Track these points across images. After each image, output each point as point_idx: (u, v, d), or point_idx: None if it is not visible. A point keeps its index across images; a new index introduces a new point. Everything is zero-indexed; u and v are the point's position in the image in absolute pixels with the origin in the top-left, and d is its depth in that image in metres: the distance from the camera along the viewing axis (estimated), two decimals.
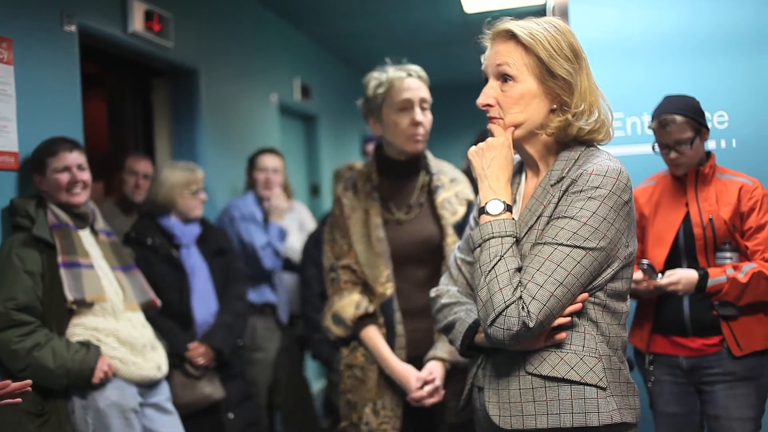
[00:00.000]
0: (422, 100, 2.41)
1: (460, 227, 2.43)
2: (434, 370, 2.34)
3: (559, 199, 1.58)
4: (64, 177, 2.64)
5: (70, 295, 2.52)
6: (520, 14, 1.76)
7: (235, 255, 3.63)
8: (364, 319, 2.42)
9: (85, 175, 2.71)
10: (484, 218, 1.59)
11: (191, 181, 3.40)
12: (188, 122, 4.23)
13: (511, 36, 1.64)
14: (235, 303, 3.42)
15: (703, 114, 2.54)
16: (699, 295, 2.46)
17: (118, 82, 4.15)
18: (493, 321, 1.49)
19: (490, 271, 1.52)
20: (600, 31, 3.21)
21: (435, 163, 2.55)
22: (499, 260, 1.52)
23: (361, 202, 2.49)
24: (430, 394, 2.31)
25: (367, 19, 6.04)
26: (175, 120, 4.25)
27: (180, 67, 4.11)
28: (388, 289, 2.40)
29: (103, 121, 4.20)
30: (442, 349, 2.36)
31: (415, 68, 2.46)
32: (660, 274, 2.52)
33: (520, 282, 1.51)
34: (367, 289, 2.44)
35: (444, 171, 2.53)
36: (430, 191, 2.49)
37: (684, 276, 2.45)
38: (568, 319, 1.55)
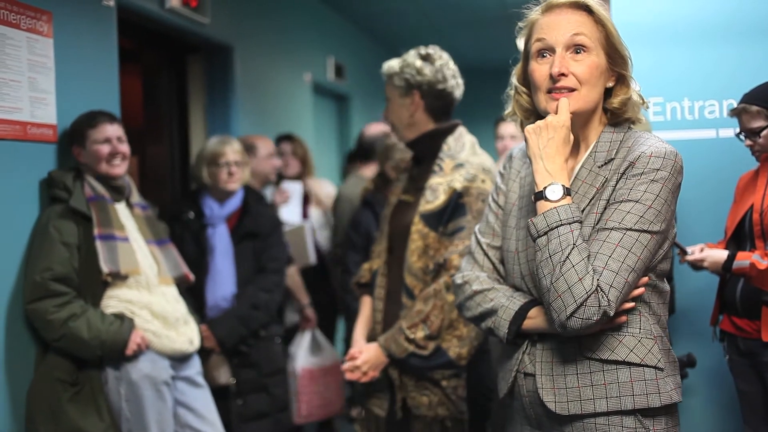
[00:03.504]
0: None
1: (438, 216, 2.35)
2: (365, 350, 2.38)
3: (617, 182, 1.55)
4: (105, 148, 2.67)
5: (105, 267, 2.54)
6: None
7: (278, 241, 3.47)
8: (361, 288, 2.62)
9: (125, 147, 2.73)
10: (546, 204, 1.53)
11: (218, 154, 3.31)
12: (223, 99, 4.25)
13: (583, 8, 1.60)
14: (258, 293, 3.27)
15: None
16: (727, 275, 2.59)
17: (154, 57, 4.16)
18: (573, 312, 1.46)
19: (564, 261, 1.47)
20: (641, 14, 3.15)
21: (453, 145, 2.45)
22: (572, 249, 1.48)
23: (398, 181, 2.66)
24: (350, 371, 2.37)
25: None
26: (210, 96, 4.27)
27: (215, 43, 4.12)
28: (376, 263, 2.53)
29: (138, 96, 4.22)
30: (385, 335, 2.38)
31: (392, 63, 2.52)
32: (690, 250, 2.70)
33: (594, 269, 1.48)
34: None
35: (455, 155, 2.43)
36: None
37: (711, 255, 2.59)
38: (633, 304, 1.55)
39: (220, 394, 3.13)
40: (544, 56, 1.60)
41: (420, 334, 2.28)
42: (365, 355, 2.36)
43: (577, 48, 1.58)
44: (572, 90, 1.58)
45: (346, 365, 2.39)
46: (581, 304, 1.45)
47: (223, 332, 3.15)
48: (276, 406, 3.39)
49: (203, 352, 3.03)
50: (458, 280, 1.82)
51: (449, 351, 2.28)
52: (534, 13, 1.66)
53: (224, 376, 3.20)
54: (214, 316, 3.22)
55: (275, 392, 3.38)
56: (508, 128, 4.04)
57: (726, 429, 3.18)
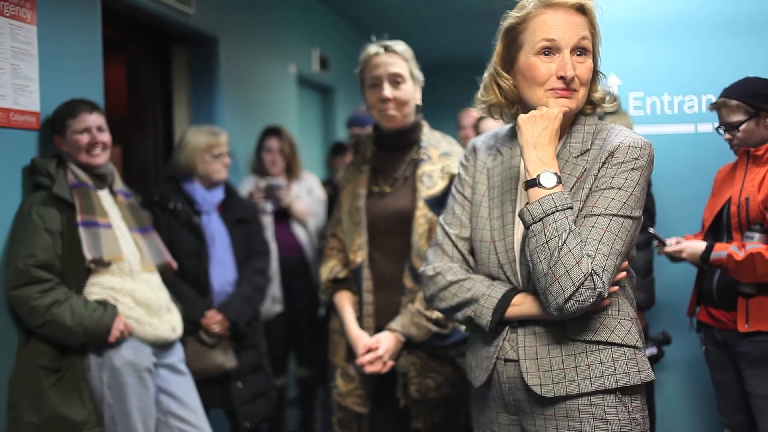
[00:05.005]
0: (394, 75, 2.43)
1: (439, 201, 2.40)
2: (381, 339, 2.36)
3: (598, 171, 1.61)
4: (84, 138, 2.67)
5: (88, 254, 2.55)
6: None
7: (260, 227, 3.62)
8: (337, 284, 2.54)
9: (105, 137, 2.73)
10: (540, 191, 1.57)
11: (213, 145, 3.35)
12: (207, 90, 4.24)
13: (582, 11, 1.65)
14: (255, 276, 3.40)
15: (764, 97, 2.54)
16: (705, 265, 2.64)
17: (138, 47, 4.15)
18: (572, 295, 1.51)
19: (562, 245, 1.52)
20: (624, 9, 3.19)
21: (430, 136, 2.54)
22: (569, 234, 1.53)
23: (353, 173, 2.57)
24: (371, 363, 2.34)
25: None
26: (194, 87, 4.26)
27: (200, 34, 4.12)
28: (359, 256, 2.47)
29: (122, 85, 4.21)
30: (398, 321, 2.38)
31: (390, 43, 2.48)
32: (668, 242, 2.73)
33: (587, 253, 1.54)
34: (347, 257, 2.53)
35: (436, 145, 2.50)
36: (416, 164, 2.50)
37: (689, 246, 2.64)
38: (617, 288, 1.63)
39: (216, 378, 3.19)
40: (547, 54, 1.64)
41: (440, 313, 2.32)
42: (384, 344, 2.35)
43: (580, 51, 1.64)
44: (575, 90, 1.65)
45: (368, 357, 2.34)
46: (579, 287, 1.50)
47: (236, 314, 3.22)
48: (270, 385, 3.46)
49: (212, 337, 3.14)
50: (429, 272, 1.83)
51: (461, 327, 2.34)
52: (531, 6, 1.67)
53: (231, 361, 3.22)
54: (222, 301, 3.27)
55: (268, 371, 3.46)
56: (471, 119, 4.14)
57: (701, 418, 3.24)
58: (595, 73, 1.72)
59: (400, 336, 2.36)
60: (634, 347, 1.63)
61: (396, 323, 2.37)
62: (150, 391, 2.66)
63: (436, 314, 2.32)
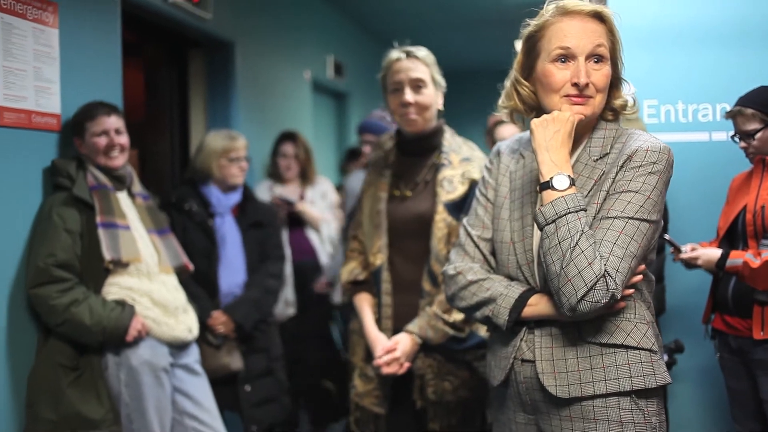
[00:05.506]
0: (415, 80, 2.44)
1: (458, 206, 2.42)
2: (399, 341, 2.38)
3: (616, 174, 1.63)
4: (102, 140, 2.70)
5: (107, 255, 2.58)
6: None
7: (277, 230, 3.62)
8: (356, 286, 2.56)
9: (123, 139, 2.76)
10: (553, 194, 1.59)
11: (230, 149, 3.39)
12: (223, 94, 4.29)
13: (599, 18, 1.67)
14: (267, 279, 3.41)
15: None
16: (720, 273, 2.63)
17: (156, 51, 4.20)
18: (584, 295, 1.53)
19: (574, 246, 1.54)
20: (638, 17, 3.20)
21: (451, 141, 2.55)
22: (581, 235, 1.55)
23: (375, 177, 2.60)
24: (388, 364, 2.35)
25: None
26: (211, 92, 4.31)
27: (217, 39, 4.16)
28: (378, 259, 2.49)
29: (140, 89, 4.26)
30: (416, 324, 2.39)
31: (412, 48, 2.49)
32: (684, 248, 2.73)
33: (601, 255, 1.55)
34: (367, 259, 2.56)
35: (457, 150, 2.52)
36: (437, 169, 2.51)
37: (705, 253, 2.63)
38: (632, 290, 1.63)
39: (227, 381, 3.20)
40: (563, 61, 1.66)
41: (458, 317, 2.34)
42: (402, 346, 2.36)
43: (596, 58, 1.66)
44: (590, 97, 1.66)
45: (385, 358, 2.35)
46: (591, 288, 1.52)
47: (241, 316, 3.24)
48: (282, 389, 3.46)
49: (218, 338, 3.14)
50: (450, 271, 1.87)
51: (479, 331, 2.37)
52: (549, 15, 1.70)
53: (236, 362, 3.24)
54: (229, 302, 3.29)
55: (280, 376, 3.46)
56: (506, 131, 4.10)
57: (716, 426, 3.23)
58: (617, 79, 1.74)
59: (417, 338, 2.37)
60: (650, 350, 1.64)
61: (413, 325, 2.39)
62: (166, 391, 2.68)
63: (453, 317, 2.34)
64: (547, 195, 1.60)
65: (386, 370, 2.36)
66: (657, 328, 1.71)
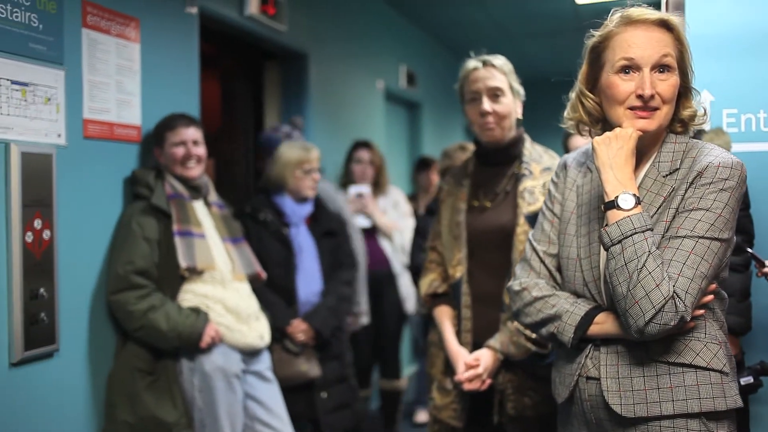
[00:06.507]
0: (493, 89, 2.40)
1: (535, 217, 2.37)
2: (481, 357, 2.33)
3: (686, 191, 1.58)
4: (180, 151, 2.78)
5: (183, 263, 2.65)
6: (634, 6, 1.73)
7: (348, 239, 3.66)
8: (436, 299, 2.52)
9: (200, 150, 2.83)
10: (618, 213, 1.56)
11: (304, 161, 3.41)
12: (297, 105, 4.35)
13: (665, 27, 1.62)
14: (341, 287, 3.44)
15: None
16: None
17: (232, 63, 4.30)
18: (652, 318, 1.49)
19: (641, 268, 1.50)
20: (716, 25, 3.09)
21: (531, 150, 2.51)
22: (648, 256, 1.51)
23: (454, 187, 2.56)
24: (470, 380, 2.31)
25: (474, 7, 6.02)
26: (285, 102, 4.38)
27: (291, 50, 4.23)
28: (458, 271, 2.45)
29: (216, 100, 4.37)
30: (497, 339, 2.34)
31: (489, 57, 2.46)
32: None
33: (670, 276, 1.51)
34: (446, 271, 2.52)
35: (538, 159, 2.48)
36: (517, 179, 2.47)
37: None
38: (704, 311, 1.58)
39: (304, 388, 3.24)
40: (627, 72, 1.62)
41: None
42: (484, 362, 2.33)
43: (662, 68, 1.61)
44: (656, 109, 1.61)
45: (467, 374, 2.32)
46: (659, 310, 1.48)
47: (320, 323, 3.27)
48: (355, 396, 3.49)
49: (296, 346, 3.18)
50: (516, 287, 1.84)
51: None
52: (613, 25, 1.66)
53: (314, 370, 3.27)
54: (307, 310, 3.33)
55: (353, 383, 3.49)
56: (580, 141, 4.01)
57: None
58: (688, 89, 1.68)
59: (499, 354, 2.33)
60: (720, 372, 1.57)
61: (495, 341, 2.35)
62: (238, 396, 2.73)
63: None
64: (612, 215, 1.57)
65: (468, 387, 2.32)
66: (731, 348, 1.65)
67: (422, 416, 4.81)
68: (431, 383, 2.54)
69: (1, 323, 2.22)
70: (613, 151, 1.60)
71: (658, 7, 3.16)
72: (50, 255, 2.37)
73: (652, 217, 1.60)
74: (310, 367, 3.25)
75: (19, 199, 2.25)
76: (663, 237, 1.57)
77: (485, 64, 2.44)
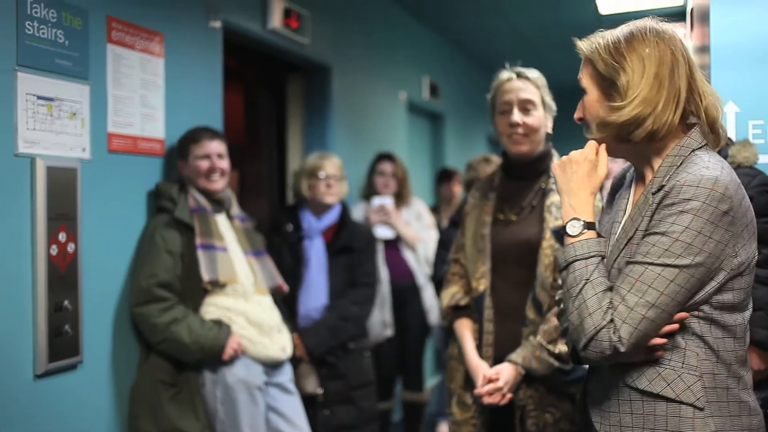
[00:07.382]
0: (525, 101, 2.39)
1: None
2: (502, 371, 2.31)
3: (653, 213, 1.51)
4: (204, 164, 2.80)
5: (205, 276, 2.67)
6: (657, 15, 1.71)
7: (371, 257, 3.57)
8: (458, 311, 2.50)
9: (224, 163, 2.85)
10: (567, 239, 1.57)
11: (317, 167, 3.41)
12: (320, 117, 4.37)
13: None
14: (349, 306, 3.34)
15: None
16: None
17: (255, 76, 4.33)
18: (586, 345, 1.48)
19: (577, 295, 1.51)
20: (742, 34, 3.05)
21: None
22: (585, 284, 1.50)
23: (480, 200, 2.55)
24: (490, 394, 2.29)
25: (497, 18, 6.01)
26: (308, 115, 4.40)
27: (314, 63, 4.25)
28: (481, 285, 2.43)
29: (239, 113, 4.40)
30: (519, 353, 2.32)
31: (523, 70, 2.45)
32: None
33: (611, 303, 1.47)
34: (468, 283, 2.50)
35: None
36: (544, 194, 2.45)
37: None
38: (664, 340, 1.49)
39: (307, 403, 3.19)
40: None
41: (564, 348, 2.25)
42: (504, 375, 2.31)
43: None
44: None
45: (487, 388, 2.30)
46: (591, 338, 1.47)
47: (312, 342, 3.22)
48: (363, 418, 3.43)
49: (293, 360, 3.11)
50: (559, 294, 1.82)
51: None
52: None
53: (311, 384, 3.26)
54: (305, 325, 3.30)
55: (362, 405, 3.42)
56: None
57: None
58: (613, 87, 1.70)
59: (520, 368, 2.31)
60: (692, 405, 1.47)
61: (517, 355, 2.33)
62: (260, 409, 2.74)
63: (558, 348, 2.27)
64: (565, 240, 1.58)
65: (488, 400, 2.30)
66: (729, 379, 1.50)
67: (444, 428, 4.78)
68: (451, 397, 2.52)
69: (25, 335, 2.25)
70: (568, 176, 1.62)
71: (682, 17, 3.13)
72: (74, 268, 2.40)
73: (630, 238, 1.54)
74: (306, 382, 3.23)
75: (44, 213, 2.27)
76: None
77: (519, 75, 2.44)
